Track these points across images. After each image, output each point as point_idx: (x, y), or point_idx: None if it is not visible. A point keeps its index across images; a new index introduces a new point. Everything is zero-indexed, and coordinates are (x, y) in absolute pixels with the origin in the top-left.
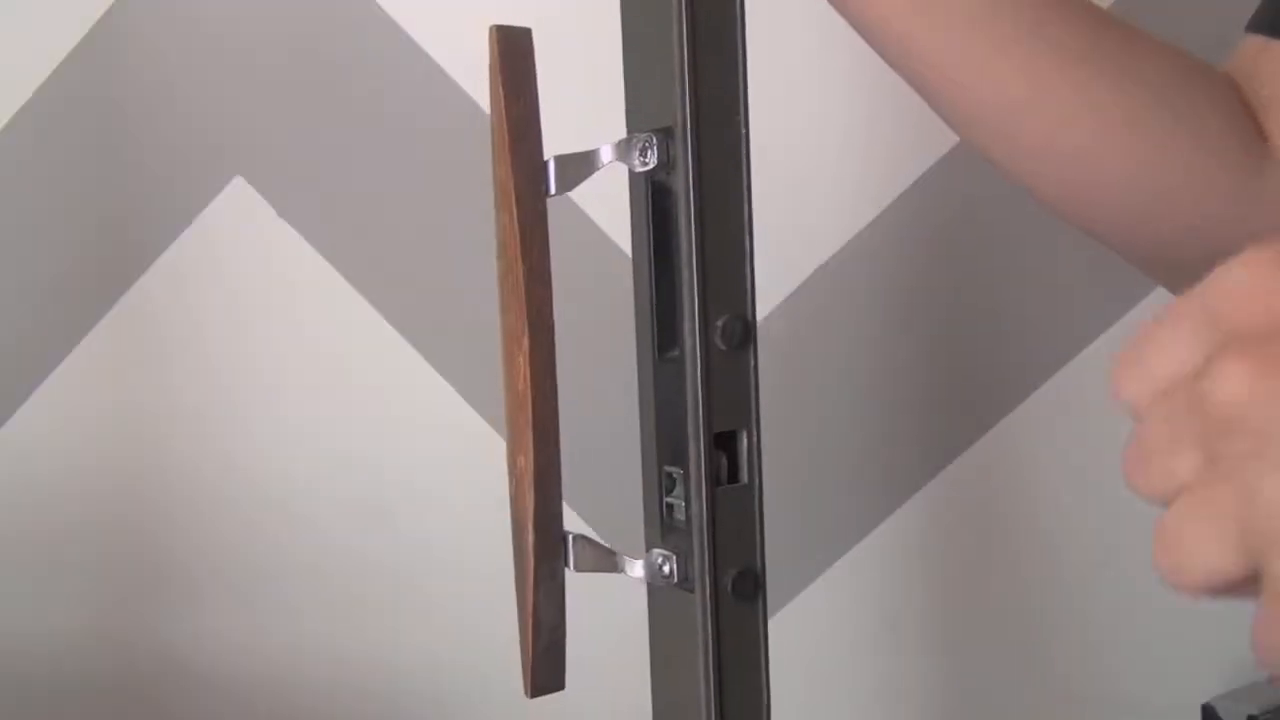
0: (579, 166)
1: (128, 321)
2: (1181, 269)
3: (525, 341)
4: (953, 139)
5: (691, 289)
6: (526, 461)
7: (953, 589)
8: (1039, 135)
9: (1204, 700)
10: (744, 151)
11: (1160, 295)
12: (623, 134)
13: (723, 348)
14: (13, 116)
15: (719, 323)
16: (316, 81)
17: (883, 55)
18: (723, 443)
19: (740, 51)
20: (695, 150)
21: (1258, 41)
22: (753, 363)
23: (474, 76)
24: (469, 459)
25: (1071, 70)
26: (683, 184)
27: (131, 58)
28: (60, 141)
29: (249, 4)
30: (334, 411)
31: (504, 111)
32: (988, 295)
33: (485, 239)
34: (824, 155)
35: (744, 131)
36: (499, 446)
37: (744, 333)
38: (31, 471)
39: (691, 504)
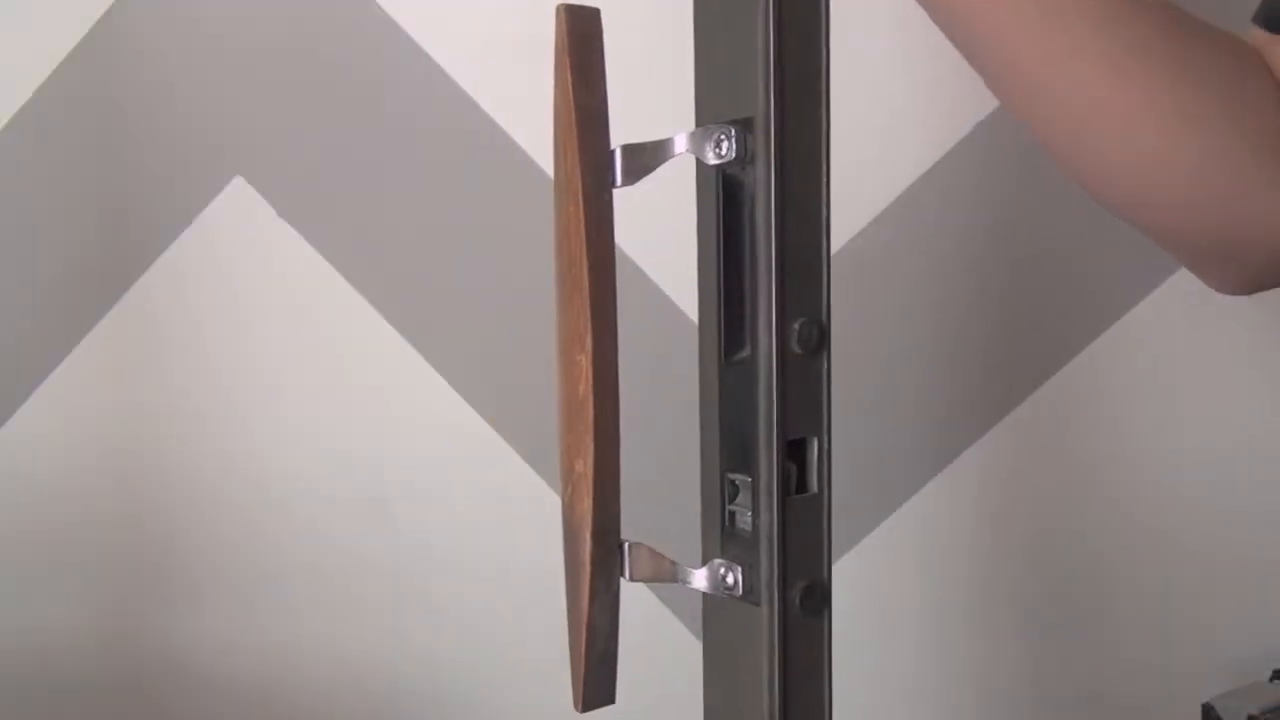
0: (648, 157)
1: (128, 321)
2: (1236, 266)
3: (588, 340)
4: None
5: (770, 290)
6: (585, 467)
7: (950, 589)
8: (1112, 133)
9: (1204, 700)
10: (825, 146)
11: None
12: (641, 127)
13: (798, 352)
14: (13, 116)
15: (795, 325)
16: (316, 81)
17: (962, 50)
18: (793, 450)
19: (824, 41)
20: (779, 143)
21: (1263, 35)
22: (826, 368)
23: (474, 76)
24: (469, 459)
25: (1147, 66)
26: (764, 179)
27: (131, 58)
28: (60, 141)
29: (249, 4)
30: (334, 411)
31: (572, 98)
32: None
33: (484, 238)
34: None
35: (826, 125)
36: (499, 446)
37: (819, 337)
38: (31, 471)
39: (760, 514)
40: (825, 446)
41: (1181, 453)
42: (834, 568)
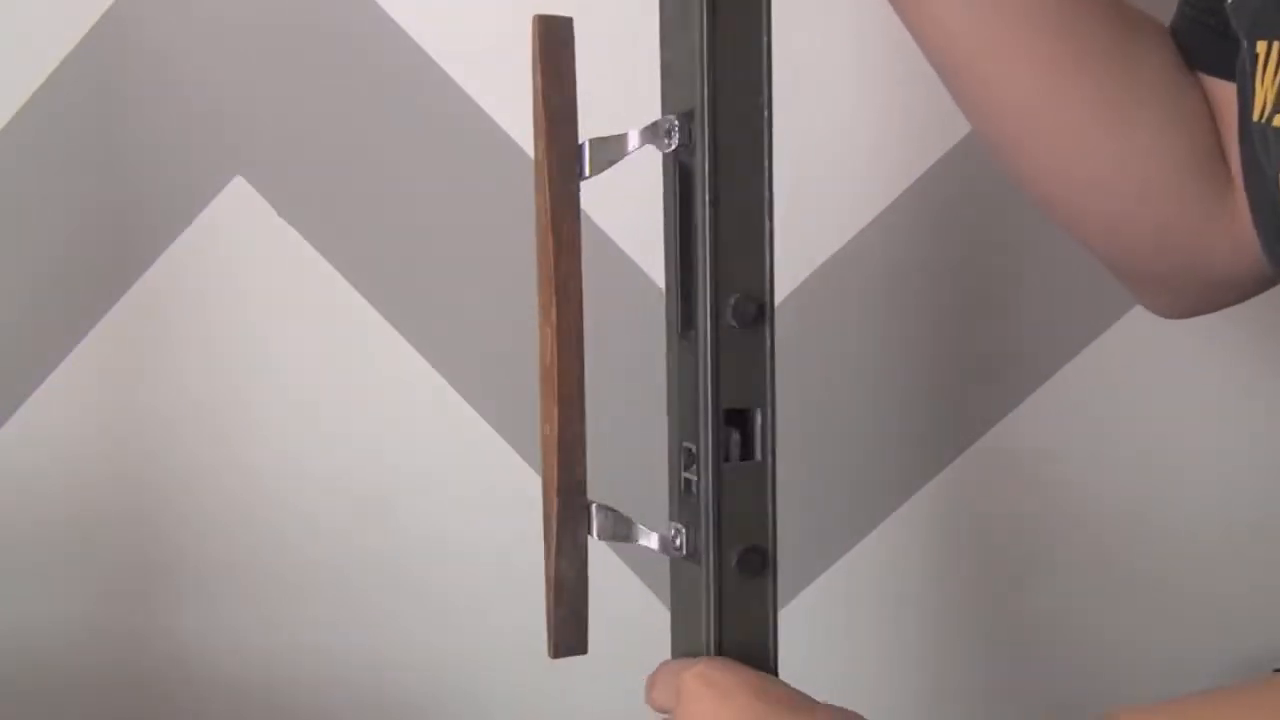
0: (611, 149)
1: (128, 322)
2: (1153, 282)
3: (552, 313)
4: (957, 135)
5: (705, 267)
6: (552, 430)
7: (951, 588)
8: (1050, 132)
9: None
10: (765, 135)
11: None
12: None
13: (734, 325)
14: (13, 116)
15: (730, 301)
16: (317, 81)
17: (918, 40)
18: (737, 420)
19: (764, 36)
20: (713, 131)
21: None
22: (768, 342)
23: (474, 76)
24: (469, 458)
25: (1089, 67)
26: (699, 164)
27: (131, 58)
28: (60, 142)
29: (249, 4)
30: (333, 411)
31: (542, 97)
32: (995, 289)
33: (485, 238)
34: (829, 150)
35: (766, 115)
36: (499, 445)
37: (757, 312)
38: (29, 472)
39: (702, 478)
40: (769, 417)
41: (1182, 454)
42: (822, 575)
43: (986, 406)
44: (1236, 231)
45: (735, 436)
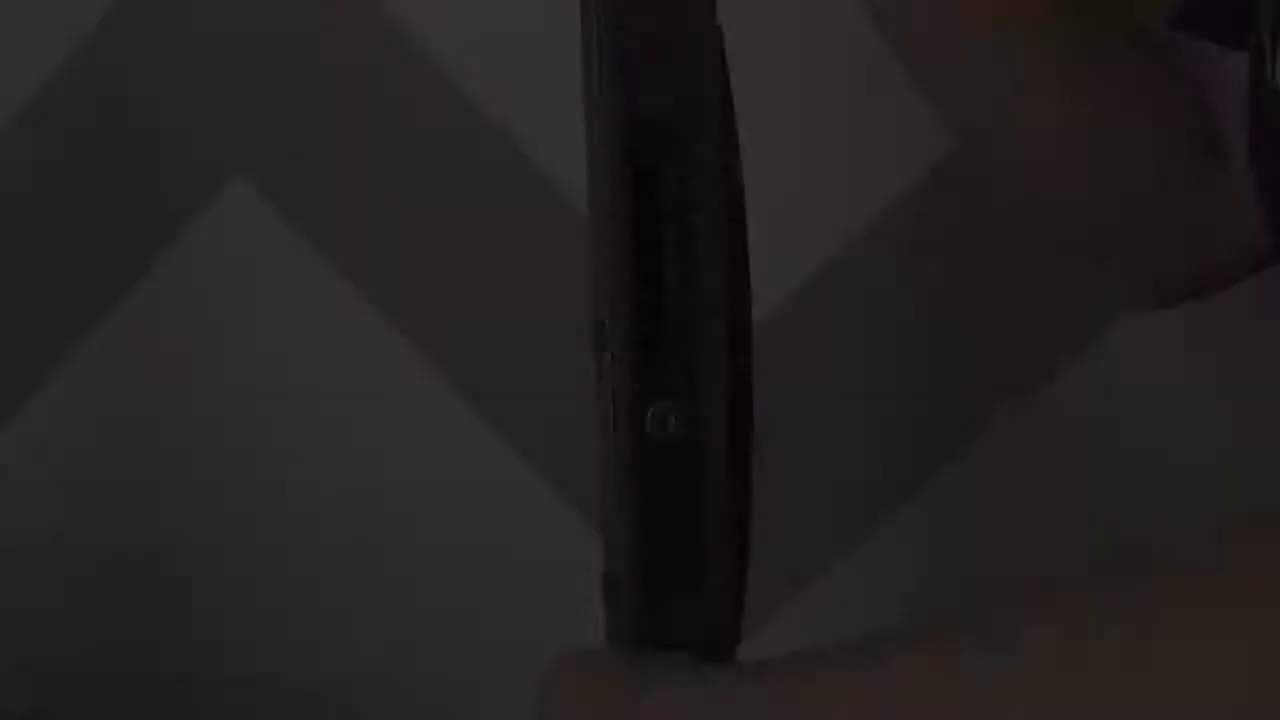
0: None
1: (126, 323)
2: (1136, 280)
3: None
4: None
5: None
6: None
7: (952, 588)
8: (1025, 139)
9: None
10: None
11: None
12: None
13: None
14: (12, 117)
15: None
16: (318, 81)
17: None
18: None
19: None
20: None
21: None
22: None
23: (475, 77)
24: (475, 468)
25: (1064, 72)
26: None
27: (131, 57)
28: (58, 142)
29: (249, 3)
30: (336, 416)
31: None
32: (997, 286)
33: (488, 240)
34: (826, 151)
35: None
36: (506, 455)
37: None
38: (29, 475)
39: None
40: None
41: (1187, 453)
42: (821, 576)
43: (987, 406)
44: (1226, 219)
45: None
